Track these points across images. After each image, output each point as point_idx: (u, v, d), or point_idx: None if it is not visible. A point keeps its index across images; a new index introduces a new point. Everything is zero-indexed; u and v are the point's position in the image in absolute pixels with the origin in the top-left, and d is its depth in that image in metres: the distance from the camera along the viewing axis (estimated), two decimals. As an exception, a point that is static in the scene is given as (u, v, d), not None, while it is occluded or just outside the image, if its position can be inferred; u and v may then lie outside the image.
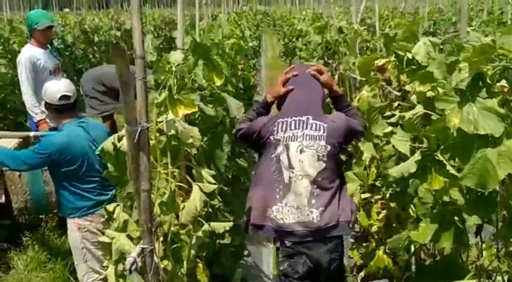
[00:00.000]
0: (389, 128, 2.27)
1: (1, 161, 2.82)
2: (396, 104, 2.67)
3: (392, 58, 2.67)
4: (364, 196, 3.22)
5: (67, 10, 14.30)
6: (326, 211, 2.38)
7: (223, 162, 2.37)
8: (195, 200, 1.77)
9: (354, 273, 3.31)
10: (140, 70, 1.48)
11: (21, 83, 4.25)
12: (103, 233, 1.86)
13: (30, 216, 3.75)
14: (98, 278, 2.84)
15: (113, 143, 1.76)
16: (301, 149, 2.39)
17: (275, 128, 2.42)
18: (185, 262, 1.82)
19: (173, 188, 1.77)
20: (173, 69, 2.19)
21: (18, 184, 3.53)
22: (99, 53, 10.31)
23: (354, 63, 4.53)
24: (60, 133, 2.82)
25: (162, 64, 2.37)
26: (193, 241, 1.84)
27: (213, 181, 1.91)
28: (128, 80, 1.44)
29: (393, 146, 2.28)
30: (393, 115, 2.31)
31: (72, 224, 2.86)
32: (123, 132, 3.86)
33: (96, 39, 9.95)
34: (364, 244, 3.18)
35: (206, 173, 1.94)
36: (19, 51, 6.91)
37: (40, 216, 3.74)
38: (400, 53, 2.52)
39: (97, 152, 1.83)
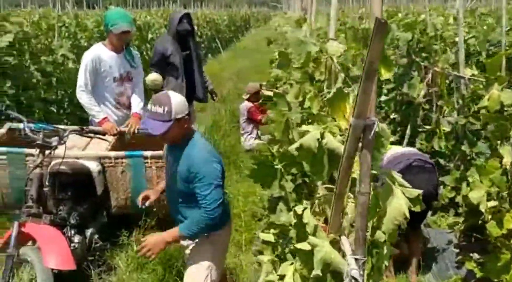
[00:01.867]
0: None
1: (202, 229, 2.45)
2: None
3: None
4: (492, 204, 3.01)
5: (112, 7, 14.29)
6: None
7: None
8: (400, 206, 1.59)
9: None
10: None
11: (78, 81, 3.92)
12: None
13: (127, 214, 3.62)
14: None
15: (318, 139, 1.58)
16: None
17: None
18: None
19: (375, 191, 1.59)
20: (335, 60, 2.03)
21: (120, 181, 3.41)
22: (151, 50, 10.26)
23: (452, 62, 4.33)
24: (203, 149, 2.49)
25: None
26: (385, 251, 1.66)
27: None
28: (376, 67, 1.27)
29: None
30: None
31: (203, 238, 2.56)
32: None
33: (149, 36, 9.89)
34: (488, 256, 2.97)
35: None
36: (86, 47, 6.92)
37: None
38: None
39: (293, 148, 1.66)
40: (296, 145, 1.65)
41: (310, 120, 2.29)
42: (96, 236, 3.27)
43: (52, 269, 2.44)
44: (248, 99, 6.73)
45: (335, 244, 1.60)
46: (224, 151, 6.34)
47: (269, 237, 2.48)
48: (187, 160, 2.41)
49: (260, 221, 4.59)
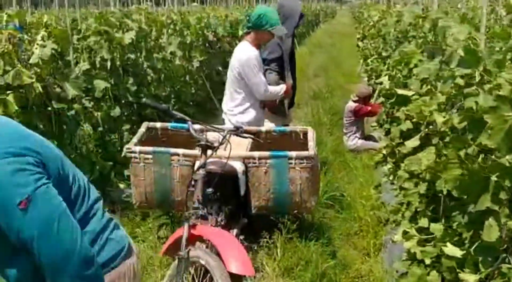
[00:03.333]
0: None
1: None
2: None
3: None
4: None
5: (195, 4, 14.44)
6: None
7: None
8: None
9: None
10: None
11: (259, 85, 3.89)
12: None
13: (267, 216, 3.54)
14: None
15: None
16: None
17: None
18: None
19: None
20: None
21: (262, 181, 3.33)
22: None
23: None
24: None
25: None
26: None
27: None
28: None
29: None
30: None
31: None
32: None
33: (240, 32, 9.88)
34: None
35: None
36: (190, 44, 6.96)
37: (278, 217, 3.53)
38: None
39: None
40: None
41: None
42: (241, 237, 3.21)
43: (231, 274, 2.38)
44: (355, 101, 6.53)
45: None
46: (331, 149, 6.21)
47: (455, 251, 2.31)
48: None
49: (385, 225, 4.40)
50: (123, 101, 5.03)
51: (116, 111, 4.87)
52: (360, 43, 15.63)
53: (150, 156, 3.37)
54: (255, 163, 3.29)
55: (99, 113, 4.66)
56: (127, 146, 3.43)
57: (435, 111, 3.23)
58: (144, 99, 2.87)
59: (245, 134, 3.01)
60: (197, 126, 3.13)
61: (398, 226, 4.41)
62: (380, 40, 7.92)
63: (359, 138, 6.57)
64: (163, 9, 6.76)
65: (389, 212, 4.54)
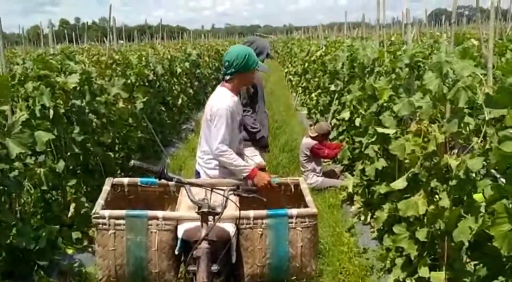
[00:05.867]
0: None
1: None
2: None
3: None
4: None
5: (121, 42, 13.87)
6: None
7: None
8: None
9: None
10: None
11: (217, 137, 3.31)
12: None
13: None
14: None
15: None
16: None
17: None
18: None
19: None
20: None
21: (257, 244, 2.88)
22: (179, 84, 9.83)
23: None
24: None
25: None
26: None
27: None
28: None
29: None
30: None
31: None
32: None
33: (178, 70, 9.45)
34: None
35: None
36: (130, 85, 6.42)
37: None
38: None
39: None
40: None
41: None
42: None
43: None
44: (313, 138, 6.28)
45: None
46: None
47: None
48: None
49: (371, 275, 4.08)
50: (68, 153, 4.40)
51: (61, 165, 4.24)
52: (291, 78, 15.74)
53: (122, 221, 2.83)
54: (249, 224, 2.84)
55: (42, 169, 4.01)
56: (95, 211, 2.86)
57: (446, 155, 3.01)
58: (132, 161, 2.36)
59: (245, 194, 2.55)
60: (188, 186, 2.61)
61: (387, 274, 4.14)
62: (326, 74, 7.84)
63: (318, 175, 6.31)
64: (101, 47, 6.20)
65: (375, 259, 4.26)
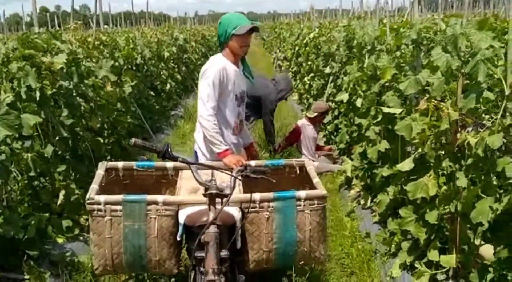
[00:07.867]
0: None
1: None
2: None
3: None
4: None
5: (106, 26, 13.50)
6: None
7: None
8: None
9: None
10: None
11: (202, 104, 3.19)
12: None
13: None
14: None
15: None
16: None
17: None
18: None
19: None
20: None
21: (263, 229, 2.72)
22: (167, 69, 9.57)
23: None
24: None
25: None
26: None
27: None
28: None
29: None
30: None
31: None
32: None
33: (166, 54, 9.19)
34: None
35: None
36: (121, 67, 6.19)
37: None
38: None
39: None
40: None
41: None
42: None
43: None
44: (312, 119, 6.12)
45: None
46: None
47: None
48: None
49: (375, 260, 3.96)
50: (56, 138, 4.17)
51: (49, 150, 4.01)
52: (280, 63, 15.52)
53: (119, 207, 2.64)
54: (254, 207, 2.67)
55: (29, 154, 3.78)
56: (89, 196, 2.67)
57: (464, 132, 2.86)
58: (133, 139, 2.15)
59: (254, 174, 2.36)
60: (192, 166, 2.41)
61: (393, 258, 4.01)
62: (320, 57, 7.66)
63: (314, 160, 6.17)
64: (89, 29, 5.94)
65: (379, 243, 4.13)
